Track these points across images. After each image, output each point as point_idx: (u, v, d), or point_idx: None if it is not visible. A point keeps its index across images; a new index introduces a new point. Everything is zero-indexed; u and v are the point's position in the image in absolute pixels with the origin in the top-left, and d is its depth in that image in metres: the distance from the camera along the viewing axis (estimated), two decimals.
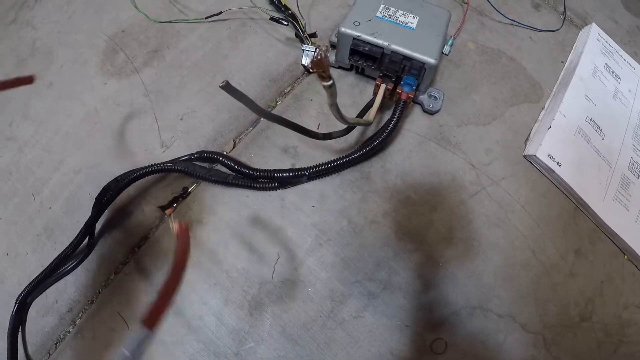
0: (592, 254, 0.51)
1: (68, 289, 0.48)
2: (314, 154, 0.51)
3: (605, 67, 0.63)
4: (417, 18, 0.51)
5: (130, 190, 0.50)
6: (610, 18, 0.70)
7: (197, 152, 0.49)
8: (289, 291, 0.46)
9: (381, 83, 0.48)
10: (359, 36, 0.48)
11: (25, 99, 0.59)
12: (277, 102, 0.55)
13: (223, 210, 0.49)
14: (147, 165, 0.48)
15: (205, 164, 0.51)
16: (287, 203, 0.49)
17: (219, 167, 0.51)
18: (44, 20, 0.66)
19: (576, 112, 0.56)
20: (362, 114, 0.49)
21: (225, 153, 0.51)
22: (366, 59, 0.49)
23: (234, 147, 0.52)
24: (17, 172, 0.54)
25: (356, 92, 0.55)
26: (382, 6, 0.51)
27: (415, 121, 0.53)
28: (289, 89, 0.56)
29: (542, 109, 0.58)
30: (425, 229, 0.48)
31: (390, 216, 0.49)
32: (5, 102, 0.59)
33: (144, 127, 0.54)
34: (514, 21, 0.63)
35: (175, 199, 0.51)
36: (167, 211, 0.50)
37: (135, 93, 0.56)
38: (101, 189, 0.47)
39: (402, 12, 0.51)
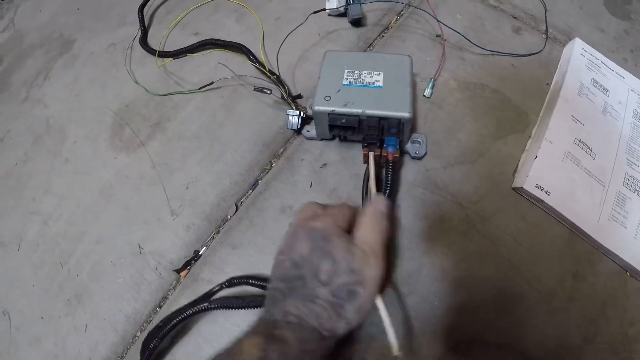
0: (591, 276, 0.52)
1: None
2: None
3: (592, 82, 0.63)
4: (382, 74, 0.54)
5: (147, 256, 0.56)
6: (595, 28, 0.70)
7: (226, 281, 0.51)
8: None
9: (368, 151, 0.50)
10: (332, 111, 0.51)
11: (45, 175, 0.66)
12: (271, 164, 0.59)
13: (231, 271, 0.54)
14: (186, 306, 0.50)
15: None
16: None
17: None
18: (53, 98, 0.73)
19: (563, 137, 0.57)
20: (365, 186, 0.51)
21: (252, 274, 0.52)
22: (346, 129, 0.52)
23: (236, 211, 0.57)
24: (44, 244, 0.61)
25: (349, 162, 0.57)
26: (346, 72, 0.54)
27: (403, 169, 0.56)
28: (281, 150, 0.60)
29: (529, 137, 0.59)
30: (418, 272, 0.51)
31: None
32: (27, 178, 0.67)
33: (154, 198, 0.60)
34: (494, 51, 0.65)
35: (188, 262, 0.56)
36: (182, 273, 0.55)
37: (143, 166, 0.62)
38: (146, 335, 0.50)
39: (366, 72, 0.54)
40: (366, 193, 0.51)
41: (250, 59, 0.63)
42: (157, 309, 0.54)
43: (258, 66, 0.63)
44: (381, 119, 0.51)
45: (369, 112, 0.51)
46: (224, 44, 0.68)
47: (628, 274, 0.53)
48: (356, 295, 0.34)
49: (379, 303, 0.36)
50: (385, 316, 0.36)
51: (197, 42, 0.70)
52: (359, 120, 0.51)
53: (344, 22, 0.69)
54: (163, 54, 0.70)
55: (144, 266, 0.56)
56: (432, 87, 0.61)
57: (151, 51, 0.72)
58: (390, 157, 0.50)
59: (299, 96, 0.60)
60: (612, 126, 0.60)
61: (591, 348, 0.48)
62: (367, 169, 0.51)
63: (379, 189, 0.50)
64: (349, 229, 0.38)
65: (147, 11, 0.78)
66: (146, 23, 0.76)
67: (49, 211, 0.63)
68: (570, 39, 0.68)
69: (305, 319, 0.33)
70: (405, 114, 0.50)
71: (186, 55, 0.71)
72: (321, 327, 0.33)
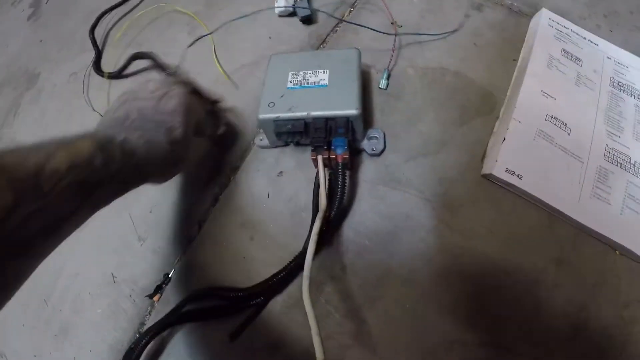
0: (576, 260, 0.48)
1: None
2: (269, 227, 0.53)
3: (563, 53, 0.59)
4: (327, 71, 0.51)
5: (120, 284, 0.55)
6: None
7: (188, 296, 0.51)
8: None
9: (316, 155, 0.48)
10: (277, 117, 0.49)
11: None
12: (230, 179, 0.57)
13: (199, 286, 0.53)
14: (154, 325, 0.50)
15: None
16: None
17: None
18: (25, 135, 0.73)
19: (533, 114, 0.53)
20: (316, 195, 0.50)
21: (212, 286, 0.52)
22: (293, 135, 0.50)
23: (199, 230, 0.55)
24: (28, 282, 0.59)
25: (305, 167, 0.55)
26: (290, 74, 0.52)
27: (361, 168, 0.53)
28: (239, 163, 0.58)
29: (497, 119, 0.55)
30: (386, 275, 0.48)
31: (349, 269, 0.49)
32: None
33: (122, 225, 0.59)
34: (451, 32, 0.61)
35: (159, 286, 0.55)
36: (155, 298, 0.54)
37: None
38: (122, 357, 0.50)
39: (311, 71, 0.51)
40: (317, 200, 0.48)
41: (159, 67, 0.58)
42: (136, 335, 0.53)
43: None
44: (328, 119, 0.48)
45: (314, 113, 0.48)
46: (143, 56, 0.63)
47: (617, 252, 0.49)
48: (176, 166, 0.45)
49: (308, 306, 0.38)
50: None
51: (127, 60, 0.68)
52: (305, 124, 0.49)
53: (295, 22, 0.66)
54: (112, 76, 0.69)
55: (119, 295, 0.56)
56: (388, 78, 0.58)
57: (102, 74, 0.71)
58: (339, 160, 0.47)
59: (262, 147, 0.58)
60: (587, 97, 0.56)
61: (584, 336, 0.45)
62: (317, 173, 0.48)
63: (332, 193, 0.48)
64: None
65: (101, 32, 0.78)
66: (100, 45, 0.75)
67: None
68: (537, 11, 0.64)
69: (139, 151, 0.39)
70: (353, 111, 0.48)
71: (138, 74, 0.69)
72: (147, 164, 0.40)
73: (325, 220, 0.47)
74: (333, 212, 0.48)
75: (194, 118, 0.46)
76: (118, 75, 0.70)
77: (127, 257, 0.57)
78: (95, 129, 0.41)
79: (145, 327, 0.52)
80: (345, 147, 0.47)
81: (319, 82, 0.51)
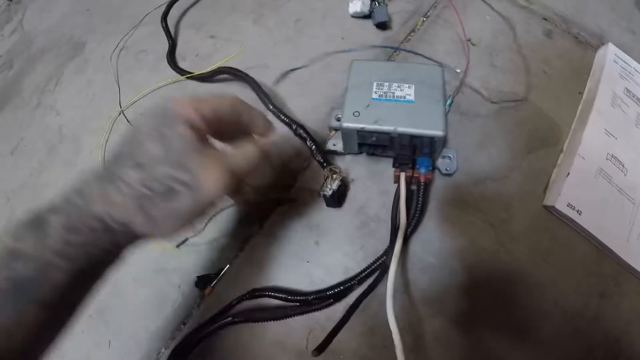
0: (617, 296, 0.51)
1: None
2: (336, 232, 0.54)
3: (625, 92, 0.61)
4: (413, 87, 0.51)
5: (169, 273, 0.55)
6: (627, 30, 0.67)
7: (248, 292, 0.51)
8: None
9: (400, 172, 0.49)
10: (362, 128, 0.49)
11: (62, 186, 0.62)
12: (296, 179, 0.57)
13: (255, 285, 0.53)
14: (209, 320, 0.51)
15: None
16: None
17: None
18: (66, 105, 0.70)
19: (596, 152, 0.56)
20: (395, 211, 0.50)
21: (272, 286, 0.52)
22: (376, 147, 0.50)
23: (261, 228, 0.56)
24: None
25: (377, 177, 0.56)
26: (375, 85, 0.52)
27: (432, 185, 0.55)
28: (305, 164, 0.58)
29: (561, 151, 0.57)
30: (445, 293, 0.50)
31: (412, 284, 0.51)
32: (43, 189, 0.65)
33: None
34: (522, 57, 0.62)
35: (212, 280, 0.54)
36: (206, 291, 0.54)
37: None
38: (170, 352, 0.50)
39: (397, 84, 0.52)
40: (397, 215, 0.50)
41: (261, 99, 0.58)
42: (182, 326, 0.53)
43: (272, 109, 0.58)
44: (413, 137, 0.49)
45: (401, 129, 0.49)
46: (237, 74, 0.63)
47: None
48: (176, 197, 0.27)
49: None
50: None
51: (211, 71, 0.64)
52: (390, 138, 0.50)
53: (368, 24, 0.65)
54: (190, 76, 0.65)
55: (167, 284, 0.55)
56: (450, 105, 0.58)
57: (178, 70, 0.68)
58: (422, 179, 0.49)
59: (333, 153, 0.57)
60: None
61: None
62: (398, 190, 0.49)
63: (409, 210, 0.49)
64: (223, 128, 0.32)
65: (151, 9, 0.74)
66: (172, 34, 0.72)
67: None
68: (603, 43, 0.65)
69: (90, 202, 0.27)
70: (439, 133, 0.49)
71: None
72: (109, 217, 0.27)
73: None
74: (410, 230, 0.49)
75: (187, 127, 0.30)
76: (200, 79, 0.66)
77: (181, 246, 0.57)
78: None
79: (192, 319, 0.53)
80: (430, 167, 0.48)
81: (405, 97, 0.51)
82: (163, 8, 0.74)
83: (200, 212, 0.29)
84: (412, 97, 0.51)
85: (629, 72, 0.63)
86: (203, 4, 0.75)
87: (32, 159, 0.67)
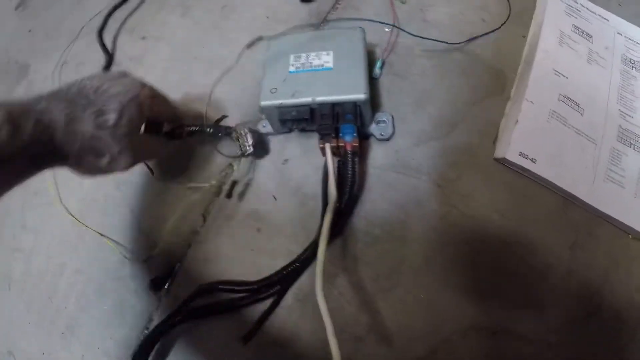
0: (590, 244, 0.47)
1: None
2: (276, 216, 0.51)
3: (573, 28, 0.57)
4: (332, 53, 0.48)
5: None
6: None
7: (195, 291, 0.50)
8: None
9: (324, 143, 0.45)
10: (280, 104, 0.46)
11: (19, 210, 0.63)
12: (233, 166, 0.55)
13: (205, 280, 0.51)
14: (163, 321, 0.49)
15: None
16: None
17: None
18: None
19: (546, 94, 0.52)
20: (325, 185, 0.47)
21: (220, 280, 0.50)
22: (299, 122, 0.47)
23: (204, 222, 0.53)
24: (31, 280, 0.58)
25: (311, 154, 0.53)
26: (292, 57, 0.49)
27: (369, 153, 0.51)
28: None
29: (508, 99, 0.54)
30: (399, 264, 0.47)
31: (361, 259, 0.47)
32: (5, 214, 0.63)
33: (123, 220, 0.56)
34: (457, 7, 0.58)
35: (165, 281, 0.53)
36: (161, 292, 0.52)
37: (108, 188, 0.58)
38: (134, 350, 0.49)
39: (314, 54, 0.49)
40: (326, 189, 0.46)
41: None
42: (145, 330, 0.51)
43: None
44: (335, 104, 0.46)
45: (320, 99, 0.46)
46: None
47: (630, 236, 0.48)
48: (100, 158, 0.37)
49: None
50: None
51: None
52: (311, 110, 0.46)
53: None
54: None
55: (125, 290, 0.54)
56: (381, 67, 0.55)
57: None
58: (349, 148, 0.45)
59: (222, 118, 0.55)
60: (599, 75, 0.55)
61: (596, 320, 0.44)
62: (325, 163, 0.46)
63: (341, 182, 0.46)
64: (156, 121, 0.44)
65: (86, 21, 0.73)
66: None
67: (29, 247, 0.60)
68: None
69: (55, 128, 0.35)
70: (361, 96, 0.45)
71: None
72: (59, 145, 0.35)
73: (336, 211, 0.44)
74: (343, 202, 0.46)
75: (141, 113, 0.40)
76: None
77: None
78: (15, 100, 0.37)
79: (153, 323, 0.51)
80: (355, 134, 0.45)
81: (323, 65, 0.48)
82: (99, 18, 0.73)
83: (105, 174, 0.40)
84: (330, 65, 0.48)
85: (576, 9, 0.59)
86: (133, 5, 0.73)
87: None
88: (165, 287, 0.52)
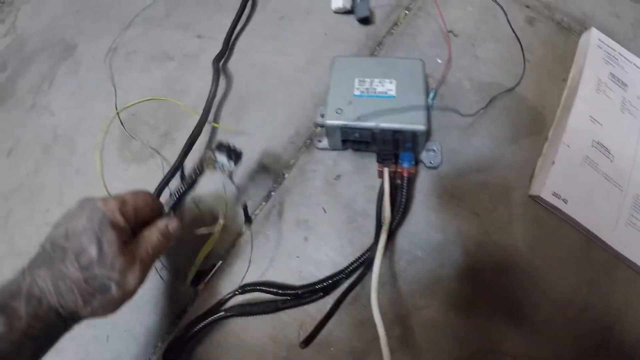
0: (607, 284, 0.51)
1: None
2: (325, 228, 0.55)
3: (610, 76, 0.61)
4: (394, 82, 0.52)
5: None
6: (611, 14, 0.67)
7: (239, 288, 0.53)
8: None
9: (383, 167, 0.49)
10: (345, 125, 0.50)
11: (57, 186, 0.65)
12: (284, 176, 0.58)
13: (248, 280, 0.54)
14: (202, 315, 0.52)
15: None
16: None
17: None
18: (60, 106, 0.71)
19: (581, 139, 0.55)
20: (379, 206, 0.51)
21: (264, 281, 0.53)
22: (359, 143, 0.51)
23: (250, 224, 0.56)
24: None
25: (363, 172, 0.56)
26: (357, 81, 0.52)
27: (417, 178, 0.55)
28: (293, 161, 0.59)
29: (546, 140, 0.57)
30: (435, 284, 0.51)
31: (400, 276, 0.52)
32: (40, 189, 0.65)
33: None
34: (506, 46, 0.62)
35: (205, 276, 0.55)
36: (200, 287, 0.55)
37: (155, 178, 0.60)
38: (166, 346, 0.51)
39: (378, 80, 0.52)
40: (381, 210, 0.50)
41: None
42: (177, 320, 0.54)
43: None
44: (395, 132, 0.50)
45: (383, 125, 0.49)
46: None
47: None
48: (109, 291, 0.35)
49: None
50: None
51: None
52: (373, 134, 0.50)
53: (351, 20, 0.66)
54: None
55: (161, 280, 0.56)
56: (433, 99, 0.59)
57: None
58: (405, 174, 0.49)
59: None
60: (630, 124, 0.59)
61: (604, 354, 0.49)
62: (382, 185, 0.50)
63: (393, 204, 0.50)
64: (138, 221, 0.40)
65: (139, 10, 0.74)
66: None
67: None
68: (586, 28, 0.64)
69: (47, 295, 0.34)
70: (421, 127, 0.49)
71: None
72: (61, 308, 0.34)
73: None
74: (394, 224, 0.49)
75: (118, 228, 0.37)
76: None
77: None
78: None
79: (187, 315, 0.54)
80: (412, 162, 0.49)
81: (386, 93, 0.51)
82: (151, 8, 0.75)
83: (127, 299, 0.38)
84: (393, 93, 0.51)
85: (613, 57, 0.62)
86: (189, 3, 0.75)
87: (27, 160, 0.68)
88: (205, 282, 0.55)
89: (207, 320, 0.51)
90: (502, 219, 0.53)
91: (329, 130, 0.51)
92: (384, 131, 0.49)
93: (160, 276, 0.55)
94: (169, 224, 0.42)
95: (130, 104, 0.67)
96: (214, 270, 0.55)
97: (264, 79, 0.63)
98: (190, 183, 0.50)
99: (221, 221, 0.51)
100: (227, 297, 0.53)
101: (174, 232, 0.43)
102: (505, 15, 0.63)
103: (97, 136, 0.66)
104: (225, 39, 0.66)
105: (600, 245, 0.53)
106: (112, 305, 0.36)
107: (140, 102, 0.67)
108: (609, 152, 0.56)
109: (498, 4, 0.64)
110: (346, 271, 0.51)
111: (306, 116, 0.60)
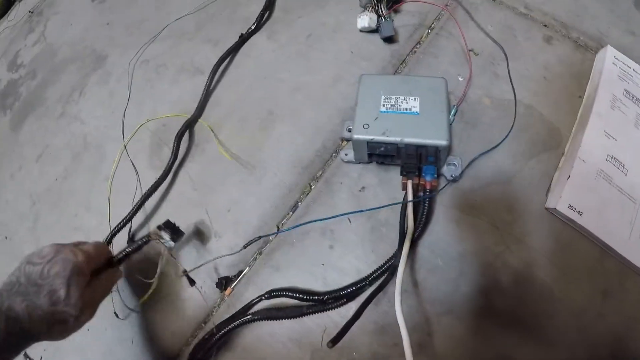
0: (620, 294, 0.53)
1: None
2: (349, 236, 0.57)
3: (625, 93, 0.63)
4: (418, 99, 0.55)
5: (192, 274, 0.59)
6: (626, 31, 0.69)
7: (266, 293, 0.56)
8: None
9: (407, 180, 0.53)
10: (372, 139, 0.53)
11: (86, 192, 0.68)
12: (310, 187, 0.61)
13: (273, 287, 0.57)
14: (229, 318, 0.55)
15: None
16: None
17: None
18: (90, 115, 0.75)
19: (596, 154, 0.58)
20: (403, 217, 0.54)
21: (290, 287, 0.56)
22: (384, 156, 0.54)
23: (277, 232, 0.59)
24: None
25: (387, 185, 0.59)
26: (382, 98, 0.56)
27: (438, 191, 0.58)
28: (319, 173, 0.62)
29: (562, 154, 0.60)
30: (454, 292, 0.54)
31: (421, 284, 0.54)
32: (68, 194, 0.69)
33: (197, 220, 0.63)
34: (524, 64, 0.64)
35: (232, 281, 0.59)
36: (226, 292, 0.58)
37: (184, 187, 0.64)
38: (192, 348, 0.55)
39: (403, 97, 0.55)
40: (404, 220, 0.53)
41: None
42: (202, 324, 0.57)
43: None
44: (419, 147, 0.52)
45: (407, 140, 0.52)
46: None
47: None
48: (67, 324, 0.45)
49: None
50: None
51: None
52: (397, 148, 0.53)
53: (376, 38, 0.69)
54: None
55: (189, 285, 0.59)
56: (454, 114, 0.61)
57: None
58: (428, 186, 0.52)
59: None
60: None
61: None
62: (405, 197, 0.53)
63: (416, 215, 0.52)
64: (95, 267, 0.49)
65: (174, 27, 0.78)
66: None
67: (91, 227, 0.66)
68: (602, 46, 0.67)
69: (22, 320, 0.42)
70: (443, 142, 0.52)
71: None
72: (30, 332, 0.43)
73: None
74: (416, 233, 0.52)
75: (83, 275, 0.47)
76: None
77: (201, 250, 0.61)
78: None
79: (212, 319, 0.57)
80: (435, 175, 0.52)
81: (410, 109, 0.54)
82: (181, 23, 0.79)
83: (77, 330, 0.47)
84: (417, 109, 0.54)
85: (628, 74, 0.65)
86: (219, 21, 0.78)
87: (57, 165, 0.72)
88: (232, 287, 0.58)
89: (234, 323, 0.54)
90: (520, 230, 0.56)
91: (356, 144, 0.54)
92: (408, 146, 0.52)
93: (189, 281, 0.58)
94: (115, 275, 0.53)
95: (161, 116, 0.71)
96: (241, 276, 0.59)
97: (293, 94, 0.66)
98: (135, 248, 0.55)
99: (154, 282, 0.57)
100: (254, 301, 0.56)
101: (117, 281, 0.54)
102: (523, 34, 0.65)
103: (127, 144, 0.69)
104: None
105: (614, 256, 0.55)
106: (66, 334, 0.46)
107: (169, 116, 0.71)
108: (623, 166, 0.58)
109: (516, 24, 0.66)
110: (369, 278, 0.54)
111: (333, 130, 0.63)
